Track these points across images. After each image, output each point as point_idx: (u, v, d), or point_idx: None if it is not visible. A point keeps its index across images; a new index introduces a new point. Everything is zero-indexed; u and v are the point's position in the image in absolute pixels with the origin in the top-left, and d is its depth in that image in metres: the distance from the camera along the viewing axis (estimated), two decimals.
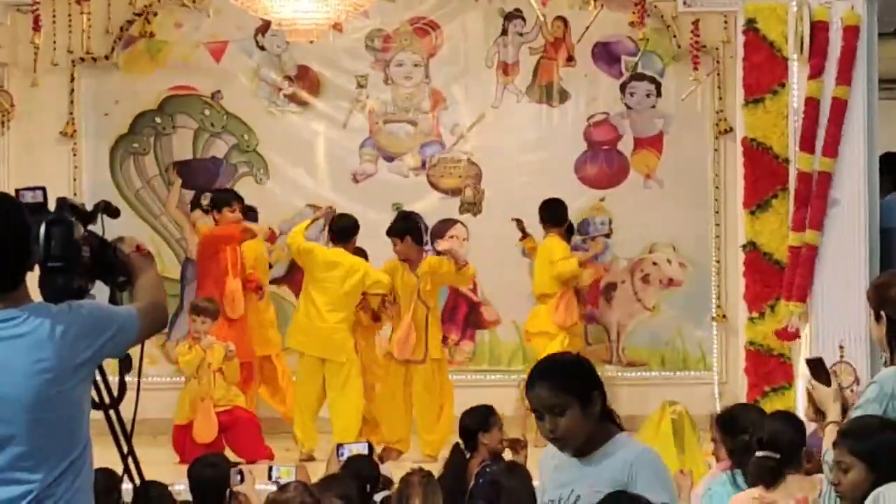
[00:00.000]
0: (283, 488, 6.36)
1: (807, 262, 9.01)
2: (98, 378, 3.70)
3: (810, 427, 6.08)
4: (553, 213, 10.74)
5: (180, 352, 9.99)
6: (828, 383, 5.24)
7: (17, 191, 3.68)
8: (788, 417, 6.20)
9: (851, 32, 9.02)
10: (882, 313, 5.12)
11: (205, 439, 9.76)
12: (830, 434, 5.05)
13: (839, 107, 9.00)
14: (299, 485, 6.25)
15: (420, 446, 10.24)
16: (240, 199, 10.78)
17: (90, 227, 3.80)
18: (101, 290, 3.88)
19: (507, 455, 7.64)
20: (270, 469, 7.48)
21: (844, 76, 8.99)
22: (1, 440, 3.45)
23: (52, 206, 3.71)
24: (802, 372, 8.91)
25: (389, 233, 10.27)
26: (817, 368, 5.32)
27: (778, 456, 5.64)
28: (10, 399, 3.44)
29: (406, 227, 10.32)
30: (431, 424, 10.25)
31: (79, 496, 3.55)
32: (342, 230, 10.35)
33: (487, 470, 7.15)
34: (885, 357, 5.29)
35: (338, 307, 10.16)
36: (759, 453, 5.67)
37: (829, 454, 4.89)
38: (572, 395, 4.22)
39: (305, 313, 10.28)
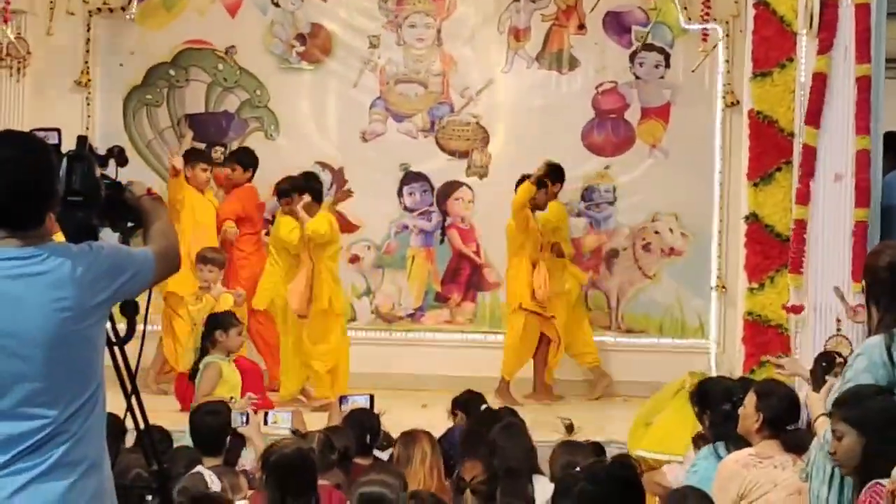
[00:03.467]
0: (303, 437, 6.48)
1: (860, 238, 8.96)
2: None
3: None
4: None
5: (189, 301, 10.02)
6: (817, 388, 5.38)
7: (32, 131, 3.70)
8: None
9: (863, 10, 9.05)
10: (864, 281, 5.21)
11: None
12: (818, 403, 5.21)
13: (864, 84, 8.99)
14: (321, 435, 6.35)
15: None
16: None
17: (102, 172, 3.85)
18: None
19: None
20: (266, 414, 7.60)
21: (863, 54, 9.02)
22: (18, 376, 3.46)
23: (65, 149, 3.73)
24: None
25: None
26: (817, 368, 5.44)
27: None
28: (28, 336, 3.46)
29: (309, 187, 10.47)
30: None
31: (92, 433, 3.57)
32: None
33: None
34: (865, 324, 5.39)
35: None
36: (790, 427, 5.78)
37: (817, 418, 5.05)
38: None
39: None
